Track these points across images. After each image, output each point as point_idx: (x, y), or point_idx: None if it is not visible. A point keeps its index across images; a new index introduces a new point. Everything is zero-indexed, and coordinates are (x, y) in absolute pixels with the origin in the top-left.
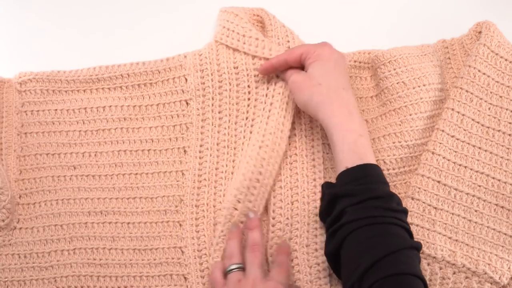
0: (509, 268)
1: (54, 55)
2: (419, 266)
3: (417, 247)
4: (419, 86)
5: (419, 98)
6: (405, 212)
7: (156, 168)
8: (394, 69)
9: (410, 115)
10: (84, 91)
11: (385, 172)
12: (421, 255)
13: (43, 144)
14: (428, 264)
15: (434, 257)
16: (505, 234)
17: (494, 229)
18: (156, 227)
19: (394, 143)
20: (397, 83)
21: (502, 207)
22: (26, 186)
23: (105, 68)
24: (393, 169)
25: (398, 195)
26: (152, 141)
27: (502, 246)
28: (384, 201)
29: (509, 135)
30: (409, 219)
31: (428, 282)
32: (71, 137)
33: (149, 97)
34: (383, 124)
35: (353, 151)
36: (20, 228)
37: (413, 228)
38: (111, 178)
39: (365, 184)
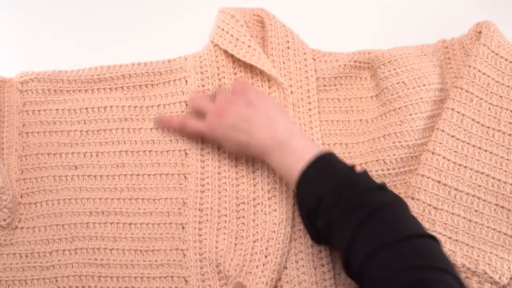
0: (509, 268)
1: (55, 55)
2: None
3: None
4: (419, 86)
5: (419, 98)
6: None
7: (158, 169)
8: (394, 69)
9: (410, 115)
10: (86, 91)
11: (385, 172)
12: None
13: (44, 144)
14: None
15: None
16: (505, 234)
17: (494, 229)
18: (158, 229)
19: (394, 143)
20: (397, 83)
21: (502, 207)
22: (27, 186)
23: (106, 68)
24: (393, 169)
25: (399, 195)
26: (153, 142)
27: (502, 246)
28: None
29: (509, 135)
30: None
31: None
32: (73, 137)
33: (150, 98)
34: (383, 124)
35: (289, 163)
36: (22, 228)
37: None
38: (113, 178)
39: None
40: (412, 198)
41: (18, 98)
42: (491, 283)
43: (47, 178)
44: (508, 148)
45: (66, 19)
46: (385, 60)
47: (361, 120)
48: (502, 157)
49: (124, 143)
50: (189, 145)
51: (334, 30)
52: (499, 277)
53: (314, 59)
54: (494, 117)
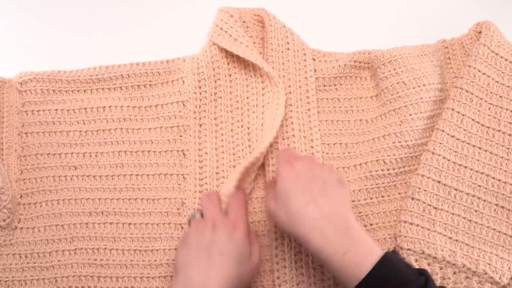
0: (509, 268)
1: (54, 56)
2: None
3: None
4: (419, 86)
5: (419, 98)
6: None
7: (156, 169)
8: (394, 69)
9: (410, 115)
10: (85, 91)
11: (384, 172)
12: (421, 255)
13: (43, 144)
14: (429, 264)
15: (435, 257)
16: (505, 234)
17: (494, 229)
18: (157, 229)
19: (394, 143)
20: (397, 83)
21: (502, 207)
22: (27, 186)
23: (105, 68)
24: (393, 169)
25: (398, 195)
26: (152, 142)
27: (502, 246)
28: None
29: (509, 135)
30: (409, 219)
31: None
32: (72, 137)
33: (148, 99)
34: (383, 124)
35: (346, 272)
36: (21, 228)
37: (413, 228)
38: (112, 178)
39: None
40: (412, 198)
41: (17, 99)
42: (491, 283)
43: (47, 178)
44: (508, 148)
45: (65, 20)
46: (385, 60)
47: (361, 120)
48: (502, 157)
49: (123, 143)
50: (187, 146)
51: (335, 30)
52: (500, 277)
53: (314, 59)
54: (494, 117)
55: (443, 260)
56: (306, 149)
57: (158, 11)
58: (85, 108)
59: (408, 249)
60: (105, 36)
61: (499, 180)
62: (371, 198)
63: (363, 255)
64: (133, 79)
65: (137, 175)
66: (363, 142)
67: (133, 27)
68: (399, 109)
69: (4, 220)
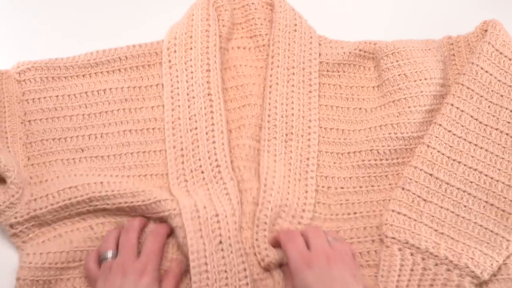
0: (491, 264)
1: (50, 46)
2: None
3: None
4: (420, 80)
5: (419, 92)
6: None
7: (163, 146)
8: (397, 61)
9: (409, 107)
10: (83, 76)
11: (377, 162)
12: (405, 244)
13: (48, 130)
14: (411, 254)
15: (418, 248)
16: (491, 231)
17: (481, 226)
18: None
19: (390, 134)
20: (399, 75)
21: (492, 204)
22: (36, 170)
23: (102, 52)
24: (386, 159)
25: (388, 185)
26: (156, 120)
27: (487, 243)
28: None
29: (507, 134)
30: (397, 209)
31: (409, 272)
32: (75, 121)
33: (148, 78)
34: (381, 115)
35: None
36: (35, 199)
37: (400, 218)
38: (120, 157)
39: None
40: (403, 188)
41: (16, 88)
42: (472, 277)
43: (55, 162)
44: (504, 147)
45: (60, 10)
46: (389, 51)
47: (360, 108)
48: (497, 156)
49: (127, 123)
50: None
51: (342, 20)
52: (481, 272)
53: (320, 44)
54: (493, 116)
55: (426, 251)
56: (304, 129)
57: None
58: (86, 92)
59: (393, 238)
60: (100, 23)
61: (491, 178)
62: (361, 187)
63: None
64: (131, 60)
65: (144, 152)
66: (359, 130)
67: (127, 12)
68: (398, 100)
69: (13, 196)
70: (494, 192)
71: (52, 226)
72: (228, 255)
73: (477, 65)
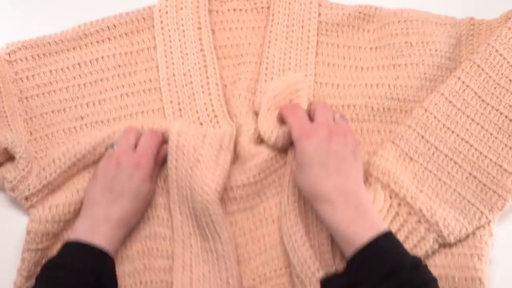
0: (460, 230)
1: (36, 23)
2: None
3: None
4: (424, 50)
5: (420, 60)
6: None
7: (160, 104)
8: (406, 29)
9: (408, 73)
10: (74, 48)
11: (370, 118)
12: (386, 187)
13: (46, 104)
14: (390, 197)
15: (397, 194)
16: (468, 201)
17: (459, 194)
18: None
19: (386, 93)
20: (405, 43)
21: (475, 177)
22: (39, 144)
23: (90, 24)
24: (379, 116)
25: (380, 140)
26: (150, 81)
27: (461, 211)
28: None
29: (506, 116)
30: (385, 155)
31: (385, 213)
32: (72, 92)
33: (138, 44)
34: (379, 74)
35: (348, 242)
36: (44, 169)
37: (387, 163)
38: (119, 120)
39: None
40: (393, 143)
41: (8, 69)
42: (438, 236)
43: (57, 132)
44: (500, 128)
45: None
46: (401, 18)
47: (356, 67)
48: (491, 134)
49: (123, 87)
50: None
51: None
52: (448, 234)
53: (320, 5)
54: (497, 97)
55: (404, 199)
56: None
57: None
58: (78, 63)
59: (377, 178)
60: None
61: (480, 153)
62: None
63: (367, 228)
64: (119, 28)
65: (143, 112)
66: (355, 85)
67: None
68: (398, 65)
69: (23, 170)
70: (479, 166)
71: (62, 189)
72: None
73: (493, 47)
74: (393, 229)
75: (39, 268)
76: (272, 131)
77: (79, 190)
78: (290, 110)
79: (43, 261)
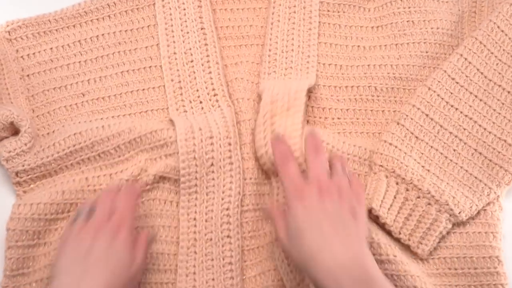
0: (470, 207)
1: (35, 6)
2: None
3: None
4: (426, 28)
5: (422, 39)
6: None
7: (161, 82)
8: (408, 8)
9: (409, 52)
10: (74, 26)
11: (374, 98)
12: (392, 173)
13: (47, 81)
14: (397, 183)
15: (403, 178)
16: (475, 177)
17: (466, 171)
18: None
19: (388, 73)
20: (407, 21)
21: (480, 153)
22: (42, 121)
23: (90, 1)
24: (383, 96)
25: (384, 120)
26: (151, 59)
27: (470, 187)
28: None
29: (508, 92)
30: (389, 140)
31: (392, 199)
32: (73, 69)
33: (138, 21)
34: (381, 54)
35: None
36: (43, 149)
37: (391, 148)
38: (120, 96)
39: None
40: (398, 123)
41: (8, 47)
42: (450, 215)
43: (59, 109)
44: (503, 104)
45: None
46: None
47: (358, 46)
48: (494, 110)
49: (124, 64)
50: None
51: None
52: (459, 212)
53: None
54: (499, 73)
55: (411, 183)
56: (302, 64)
57: None
58: (79, 41)
59: (381, 165)
60: None
61: (484, 129)
62: (357, 118)
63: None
64: (119, 6)
65: (143, 89)
66: (357, 66)
67: None
68: (401, 44)
69: (25, 144)
70: (484, 142)
71: (53, 178)
72: (218, 176)
73: (494, 23)
74: (404, 215)
75: (22, 268)
76: (266, 151)
77: (65, 192)
78: (282, 161)
79: (26, 260)
